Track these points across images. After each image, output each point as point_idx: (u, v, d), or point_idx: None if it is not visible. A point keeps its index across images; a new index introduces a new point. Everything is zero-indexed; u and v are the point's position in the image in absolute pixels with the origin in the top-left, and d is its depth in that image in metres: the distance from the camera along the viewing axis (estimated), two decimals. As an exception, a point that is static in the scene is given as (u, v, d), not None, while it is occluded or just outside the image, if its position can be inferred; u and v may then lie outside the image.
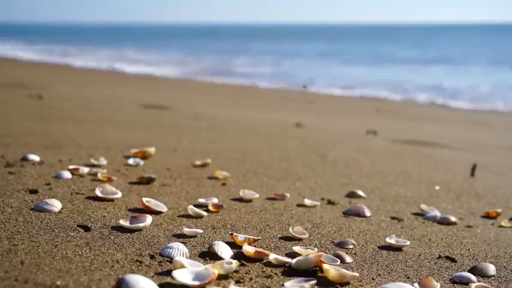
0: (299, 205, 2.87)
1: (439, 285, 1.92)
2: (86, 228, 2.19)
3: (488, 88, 15.02)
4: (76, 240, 2.03)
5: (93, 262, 1.84)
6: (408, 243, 2.34)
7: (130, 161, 3.46)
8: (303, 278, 1.85)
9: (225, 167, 3.59)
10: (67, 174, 2.95)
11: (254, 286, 1.79)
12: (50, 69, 16.03)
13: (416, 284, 1.91)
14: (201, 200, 2.71)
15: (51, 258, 1.82)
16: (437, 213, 2.90)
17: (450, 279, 2.04)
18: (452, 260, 2.25)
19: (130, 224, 2.23)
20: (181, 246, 2.01)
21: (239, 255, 2.03)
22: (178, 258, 1.85)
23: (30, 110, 5.59)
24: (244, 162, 3.84)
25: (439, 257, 2.27)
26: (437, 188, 3.61)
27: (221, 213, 2.59)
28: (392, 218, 2.81)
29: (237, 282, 1.80)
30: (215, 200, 2.73)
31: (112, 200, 2.60)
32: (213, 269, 1.76)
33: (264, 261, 2.01)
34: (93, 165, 3.29)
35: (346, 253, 2.20)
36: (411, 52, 32.17)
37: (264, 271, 1.92)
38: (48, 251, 1.88)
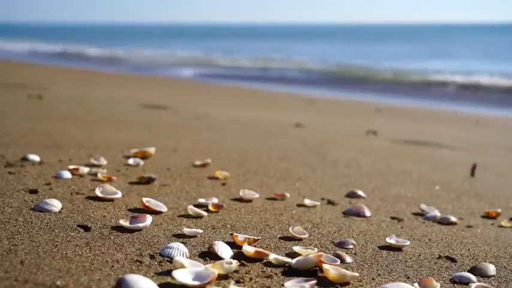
0: (299, 205, 2.87)
1: (439, 285, 1.92)
2: (86, 228, 2.19)
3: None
4: (76, 240, 2.03)
5: (93, 262, 1.84)
6: (408, 243, 2.34)
7: (131, 161, 3.46)
8: (303, 278, 1.85)
9: (225, 167, 3.59)
10: (67, 174, 2.95)
11: (254, 286, 1.79)
12: (50, 69, 16.03)
13: (416, 284, 1.91)
14: (201, 200, 2.71)
15: (51, 258, 1.82)
16: (437, 213, 2.90)
17: (450, 279, 2.04)
18: (452, 260, 2.25)
19: (130, 224, 2.23)
20: (181, 246, 2.01)
21: (239, 255, 2.03)
22: (178, 258, 1.85)
23: (30, 110, 5.59)
24: (244, 162, 3.84)
25: (439, 257, 2.27)
26: (437, 188, 3.61)
27: (221, 213, 2.59)
28: (393, 218, 2.81)
29: (237, 282, 1.80)
30: (215, 200, 2.73)
31: (112, 200, 2.61)
32: (213, 269, 1.76)
33: (264, 261, 2.01)
34: (93, 165, 3.29)
35: (346, 253, 2.20)
36: (413, 51, 32.17)
37: (264, 271, 1.92)
38: (48, 251, 1.89)
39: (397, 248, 2.32)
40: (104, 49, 30.90)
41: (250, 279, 1.84)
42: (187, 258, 1.96)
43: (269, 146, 4.62)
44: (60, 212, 2.35)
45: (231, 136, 5.04)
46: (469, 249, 2.42)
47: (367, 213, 2.81)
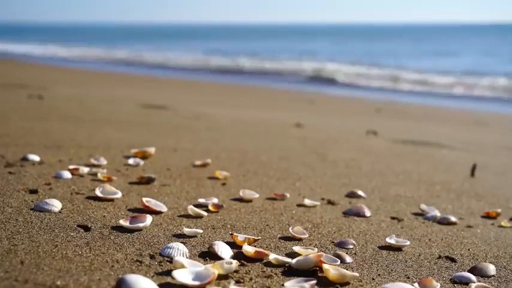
0: (299, 205, 2.87)
1: (439, 285, 1.92)
2: (86, 228, 2.19)
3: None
4: (76, 240, 2.03)
5: (93, 262, 1.84)
6: (408, 243, 2.34)
7: (131, 161, 3.46)
8: (303, 278, 1.85)
9: (225, 167, 3.59)
10: (67, 174, 2.95)
11: (254, 286, 1.79)
12: (50, 69, 16.03)
13: (416, 284, 1.91)
14: (201, 200, 2.71)
15: (51, 258, 1.82)
16: (437, 213, 2.90)
17: (450, 279, 2.04)
18: (452, 260, 2.25)
19: (130, 224, 2.23)
20: (181, 246, 2.01)
21: (239, 255, 2.03)
22: (178, 258, 1.85)
23: (30, 110, 5.59)
24: (244, 162, 3.84)
25: (439, 257, 2.27)
26: (437, 188, 3.61)
27: (221, 213, 2.59)
28: (393, 218, 2.81)
29: (237, 282, 1.80)
30: (215, 200, 2.73)
31: (112, 200, 2.61)
32: (213, 269, 1.76)
33: (264, 261, 2.01)
34: (93, 165, 3.29)
35: (346, 253, 2.20)
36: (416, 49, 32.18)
37: (264, 271, 1.92)
38: (48, 251, 1.89)
39: (397, 248, 2.32)
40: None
41: (250, 279, 1.84)
42: (187, 258, 1.96)
43: (269, 146, 4.62)
44: (60, 212, 2.35)
45: (231, 136, 5.05)
46: (469, 249, 2.42)
47: (367, 213, 2.81)
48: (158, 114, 6.31)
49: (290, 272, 1.94)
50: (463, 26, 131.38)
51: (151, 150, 3.70)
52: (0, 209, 2.31)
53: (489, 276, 2.12)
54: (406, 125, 7.59)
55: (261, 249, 2.03)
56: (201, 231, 2.26)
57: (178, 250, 1.98)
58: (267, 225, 2.48)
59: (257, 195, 2.93)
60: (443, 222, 2.80)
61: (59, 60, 23.07)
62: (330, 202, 2.99)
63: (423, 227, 2.69)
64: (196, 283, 1.70)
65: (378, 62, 24.21)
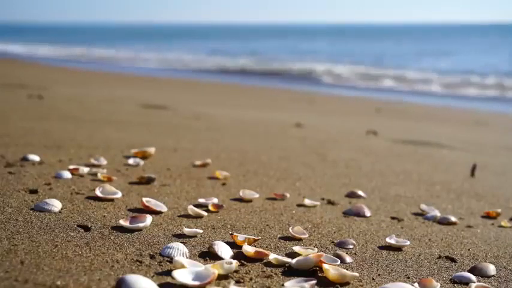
0: (299, 205, 2.87)
1: (439, 285, 1.92)
2: (86, 228, 2.19)
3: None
4: (76, 240, 2.03)
5: (93, 262, 1.84)
6: (408, 243, 2.34)
7: (131, 161, 3.46)
8: (303, 278, 1.85)
9: (225, 167, 3.59)
10: (67, 174, 2.95)
11: (254, 286, 1.79)
12: (50, 69, 16.04)
13: (416, 284, 1.91)
14: (201, 200, 2.71)
15: (51, 258, 1.82)
16: (437, 213, 2.90)
17: (450, 279, 2.04)
18: (452, 260, 2.25)
19: (130, 224, 2.24)
20: (181, 246, 2.01)
21: (239, 255, 2.03)
22: (178, 258, 1.85)
23: (30, 110, 5.59)
24: (244, 162, 3.84)
25: (439, 257, 2.27)
26: (437, 188, 3.61)
27: (221, 213, 2.59)
28: (393, 218, 2.81)
29: (237, 282, 1.80)
30: (215, 200, 2.73)
31: (112, 200, 2.61)
32: (213, 269, 1.76)
33: (264, 261, 2.01)
34: (93, 165, 3.29)
35: (346, 253, 2.20)
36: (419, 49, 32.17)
37: (264, 271, 1.92)
38: (48, 251, 1.89)
39: (397, 248, 2.32)
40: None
41: (250, 279, 1.84)
42: (187, 258, 1.96)
43: (269, 146, 4.62)
44: (60, 212, 2.35)
45: (231, 136, 5.05)
46: (469, 249, 2.42)
47: (367, 213, 2.81)
48: (158, 114, 6.31)
49: (290, 272, 1.94)
50: (463, 26, 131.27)
51: (151, 150, 3.70)
52: (0, 209, 2.31)
53: (489, 276, 2.12)
54: (406, 125, 7.59)
55: (261, 249, 2.03)
56: (201, 231, 2.26)
57: (178, 250, 1.98)
58: (267, 225, 2.48)
59: (257, 195, 2.93)
60: (443, 222, 2.80)
61: (59, 60, 23.14)
62: (330, 202, 2.99)
63: (423, 227, 2.70)
64: (196, 283, 1.70)
65: (378, 62, 24.22)
